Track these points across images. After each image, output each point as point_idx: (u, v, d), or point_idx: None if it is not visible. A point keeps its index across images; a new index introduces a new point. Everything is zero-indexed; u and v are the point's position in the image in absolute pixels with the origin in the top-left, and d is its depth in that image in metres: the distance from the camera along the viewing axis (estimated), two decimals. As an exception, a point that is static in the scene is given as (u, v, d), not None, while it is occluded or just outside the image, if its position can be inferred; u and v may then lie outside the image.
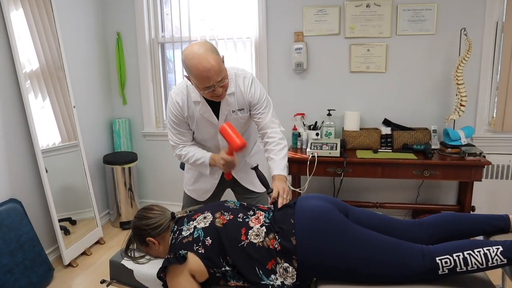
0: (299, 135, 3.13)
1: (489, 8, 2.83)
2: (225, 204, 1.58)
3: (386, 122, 3.10)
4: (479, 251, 1.28)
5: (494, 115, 3.00)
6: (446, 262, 1.29)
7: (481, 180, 2.69)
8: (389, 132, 3.00)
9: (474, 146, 2.83)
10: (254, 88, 1.84)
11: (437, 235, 1.49)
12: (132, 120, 3.62)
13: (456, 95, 2.82)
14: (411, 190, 3.21)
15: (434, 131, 2.96)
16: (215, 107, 1.82)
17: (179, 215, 1.61)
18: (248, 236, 1.43)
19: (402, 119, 3.10)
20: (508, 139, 2.98)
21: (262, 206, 1.64)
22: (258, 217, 1.51)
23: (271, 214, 1.55)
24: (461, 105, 2.77)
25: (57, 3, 2.80)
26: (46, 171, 2.65)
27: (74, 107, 2.93)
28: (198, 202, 2.06)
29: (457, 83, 2.76)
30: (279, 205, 1.57)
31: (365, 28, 3.02)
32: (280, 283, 1.37)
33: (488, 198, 3.05)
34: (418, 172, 2.72)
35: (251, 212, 1.54)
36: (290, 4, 3.10)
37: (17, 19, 2.51)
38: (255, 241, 1.42)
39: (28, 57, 2.60)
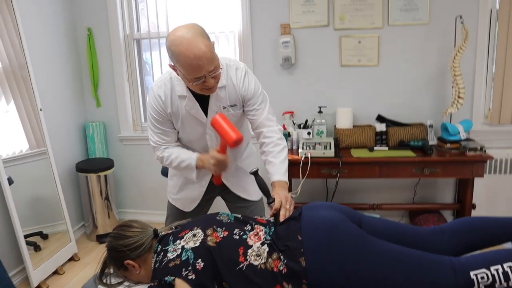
0: (288, 134, 2.94)
1: (483, -5, 2.70)
2: (217, 218, 1.35)
3: (380, 118, 2.93)
4: None
5: (491, 108, 2.88)
6: (482, 278, 1.10)
7: (483, 176, 2.56)
8: (384, 129, 2.83)
9: (474, 140, 2.69)
10: (248, 80, 1.61)
11: (462, 243, 1.31)
12: (107, 124, 3.34)
13: (453, 87, 2.68)
14: (407, 189, 3.06)
15: (431, 126, 2.81)
16: (203, 102, 1.58)
17: (163, 232, 1.37)
18: (247, 257, 1.21)
19: (397, 114, 2.94)
20: (506, 132, 2.86)
21: (260, 218, 1.41)
22: (258, 233, 1.29)
23: (272, 229, 1.32)
24: (459, 97, 2.63)
25: (17, -5, 2.51)
26: (12, 182, 2.38)
27: (40, 109, 2.64)
28: (184, 212, 1.83)
29: (454, 75, 2.62)
30: (282, 218, 1.33)
31: (355, 19, 2.84)
32: None
33: (488, 194, 2.92)
34: (417, 170, 2.56)
35: (249, 227, 1.32)
36: (276, -6, 2.90)
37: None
38: (255, 262, 1.20)
39: (-15, 55, 2.33)
